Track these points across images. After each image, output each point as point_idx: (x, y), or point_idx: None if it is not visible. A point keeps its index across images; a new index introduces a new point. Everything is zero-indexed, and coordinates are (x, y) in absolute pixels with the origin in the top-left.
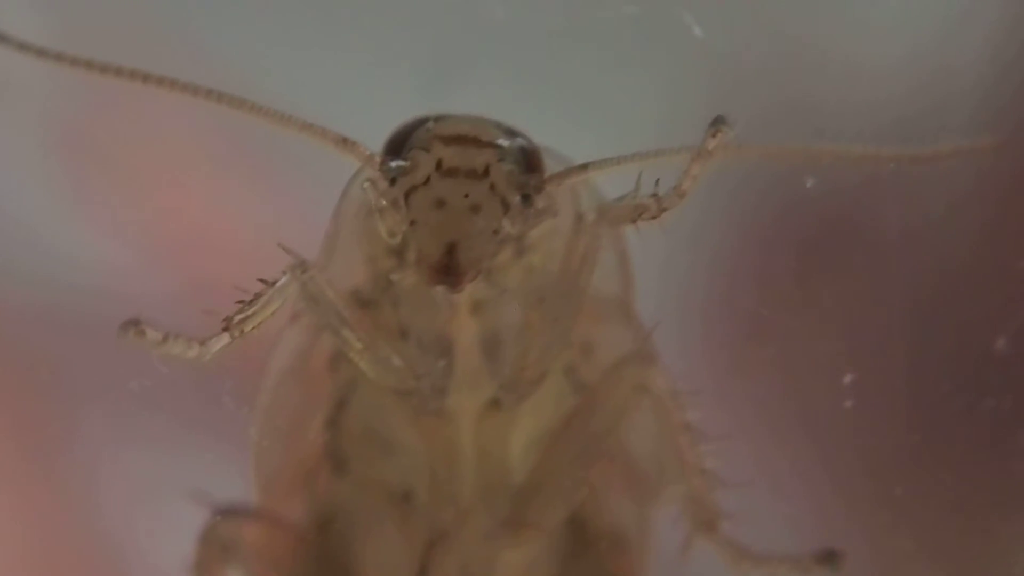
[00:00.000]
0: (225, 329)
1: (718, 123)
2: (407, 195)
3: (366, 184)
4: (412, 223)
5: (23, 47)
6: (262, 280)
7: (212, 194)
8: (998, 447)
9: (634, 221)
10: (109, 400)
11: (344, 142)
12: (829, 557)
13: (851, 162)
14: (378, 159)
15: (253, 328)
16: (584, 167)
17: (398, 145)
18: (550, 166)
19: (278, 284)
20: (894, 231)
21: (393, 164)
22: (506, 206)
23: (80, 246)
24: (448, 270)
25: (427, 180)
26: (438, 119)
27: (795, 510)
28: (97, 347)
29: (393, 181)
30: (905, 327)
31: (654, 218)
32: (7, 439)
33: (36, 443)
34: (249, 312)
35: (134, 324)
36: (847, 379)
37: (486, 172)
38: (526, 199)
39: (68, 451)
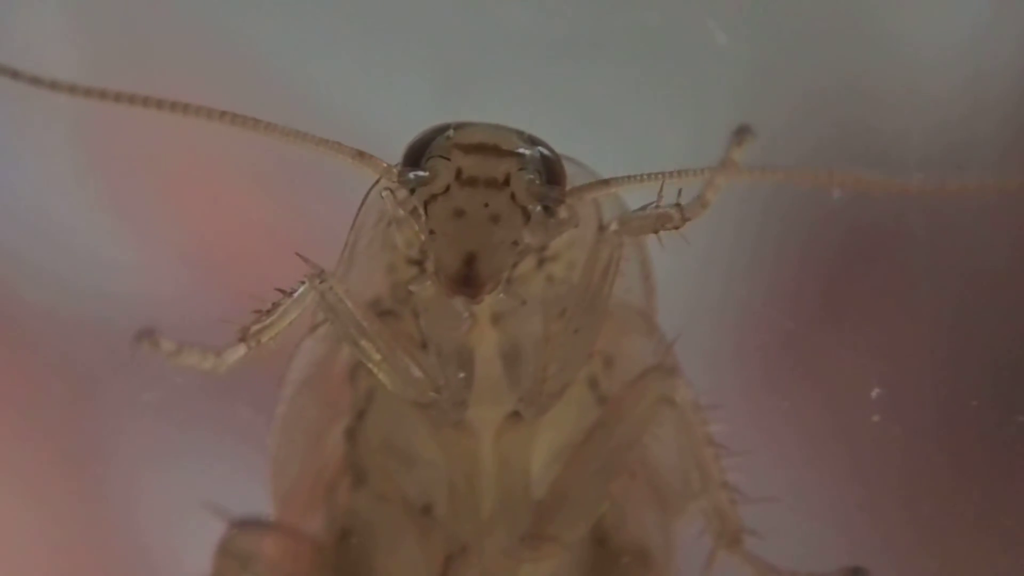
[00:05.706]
0: (241, 339)
1: (743, 132)
2: (426, 204)
3: (385, 193)
4: (431, 233)
5: (53, 84)
6: (279, 289)
7: (245, 205)
8: None
9: (656, 231)
10: (133, 412)
11: (361, 155)
12: (855, 575)
13: (873, 188)
14: (396, 168)
15: (270, 339)
16: (606, 182)
17: (417, 153)
18: (571, 175)
19: (296, 293)
20: (924, 243)
21: (412, 174)
22: (526, 216)
23: (116, 254)
24: (468, 280)
25: (447, 189)
26: (458, 127)
27: (819, 527)
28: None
29: (412, 190)
30: (935, 340)
31: (677, 228)
32: (33, 449)
33: (60, 455)
34: (266, 322)
35: (148, 334)
36: (875, 393)
37: (506, 181)
38: (547, 209)
39: (87, 465)
